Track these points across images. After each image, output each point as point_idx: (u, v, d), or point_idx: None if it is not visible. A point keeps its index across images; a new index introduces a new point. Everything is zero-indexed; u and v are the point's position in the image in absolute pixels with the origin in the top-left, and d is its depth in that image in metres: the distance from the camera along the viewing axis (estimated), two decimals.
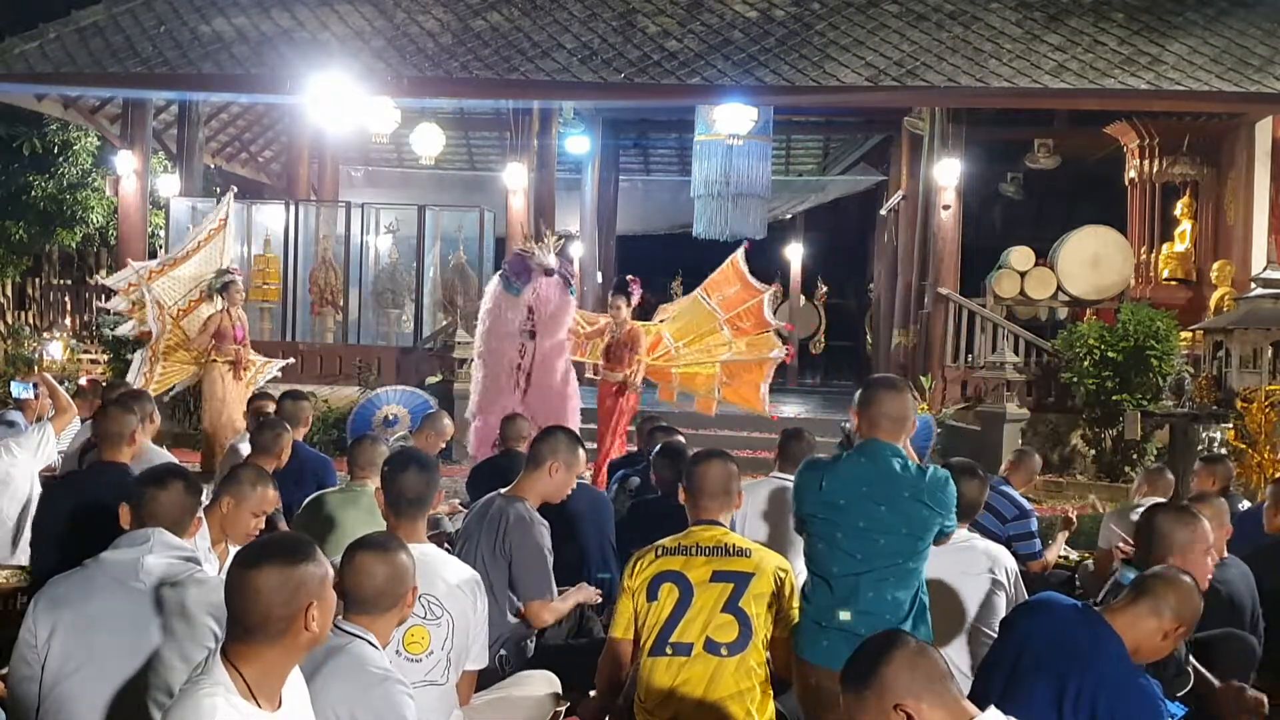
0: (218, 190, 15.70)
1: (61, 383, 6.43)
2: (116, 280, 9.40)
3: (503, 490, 4.35)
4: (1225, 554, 4.32)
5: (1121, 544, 4.45)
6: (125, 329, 9.78)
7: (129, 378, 9.07)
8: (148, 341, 9.23)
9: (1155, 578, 3.04)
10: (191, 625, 2.97)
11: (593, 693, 3.47)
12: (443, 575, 3.36)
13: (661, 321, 9.29)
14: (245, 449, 6.35)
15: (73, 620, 3.00)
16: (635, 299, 8.77)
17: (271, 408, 6.81)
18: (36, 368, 12.10)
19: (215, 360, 9.08)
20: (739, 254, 9.43)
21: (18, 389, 6.71)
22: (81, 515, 4.25)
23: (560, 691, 3.86)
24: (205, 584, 3.06)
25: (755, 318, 9.22)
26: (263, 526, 3.94)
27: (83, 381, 9.90)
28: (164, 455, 5.71)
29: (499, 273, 8.55)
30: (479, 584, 3.51)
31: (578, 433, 4.54)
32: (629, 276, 8.96)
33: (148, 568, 3.05)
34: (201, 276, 9.41)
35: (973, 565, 4.04)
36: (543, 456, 4.24)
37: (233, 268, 9.61)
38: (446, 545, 5.89)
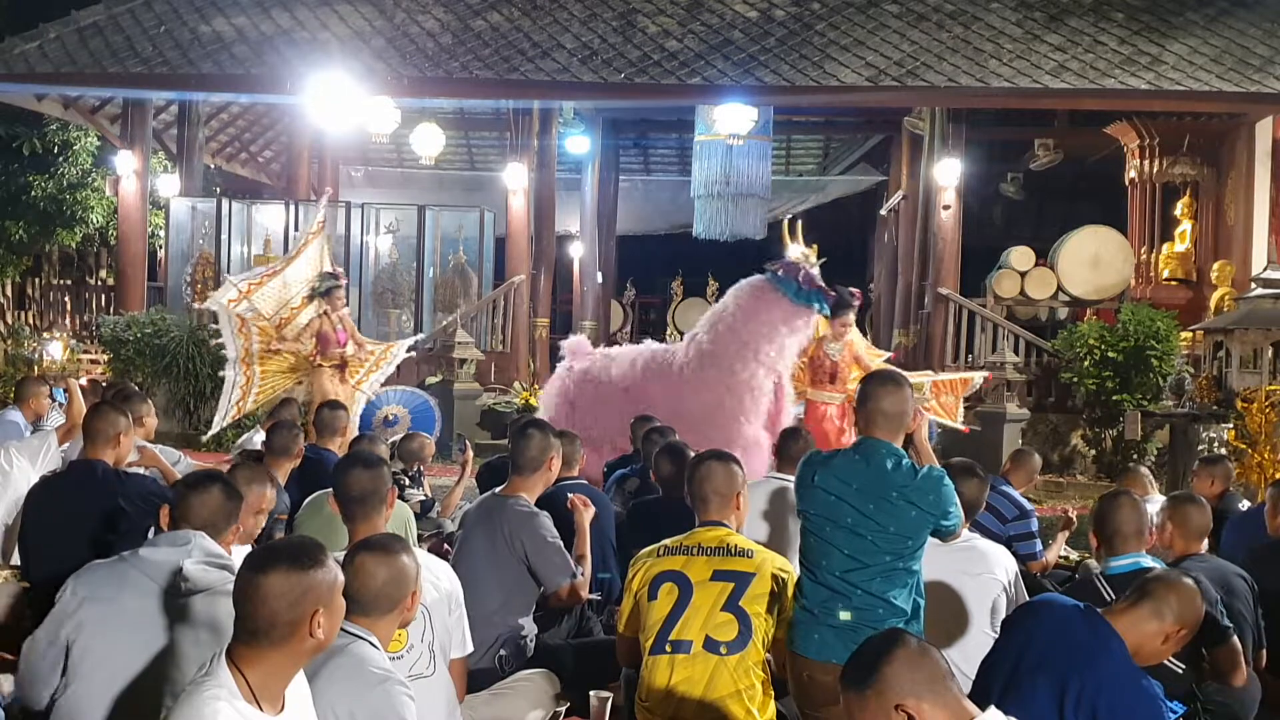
0: (218, 190, 15.72)
1: (62, 378, 6.41)
2: (219, 297, 9.00)
3: (497, 489, 4.36)
4: (1200, 550, 4.35)
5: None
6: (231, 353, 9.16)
7: (224, 395, 8.75)
8: (233, 359, 8.89)
9: (1157, 580, 3.04)
10: (219, 638, 2.96)
11: (593, 692, 3.48)
12: None
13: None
14: (260, 439, 6.36)
15: (101, 614, 3.02)
16: (852, 314, 8.17)
17: (291, 410, 6.79)
18: (36, 368, 12.10)
19: (321, 365, 8.85)
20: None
21: (57, 394, 6.71)
22: (64, 514, 4.26)
23: (560, 690, 3.87)
24: None
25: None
26: (261, 525, 3.94)
27: (83, 382, 9.87)
28: (172, 454, 5.72)
29: (779, 278, 7.58)
30: (450, 573, 3.54)
31: None
32: (852, 289, 8.13)
33: (184, 573, 3.05)
34: (301, 282, 9.13)
35: (973, 565, 4.04)
36: (541, 456, 4.26)
37: (337, 270, 9.40)
38: (446, 546, 5.92)
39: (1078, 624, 2.97)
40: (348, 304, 9.40)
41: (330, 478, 5.54)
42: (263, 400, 8.96)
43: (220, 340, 9.07)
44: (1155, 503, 5.35)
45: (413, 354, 10.06)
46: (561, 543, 4.22)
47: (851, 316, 8.05)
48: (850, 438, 7.50)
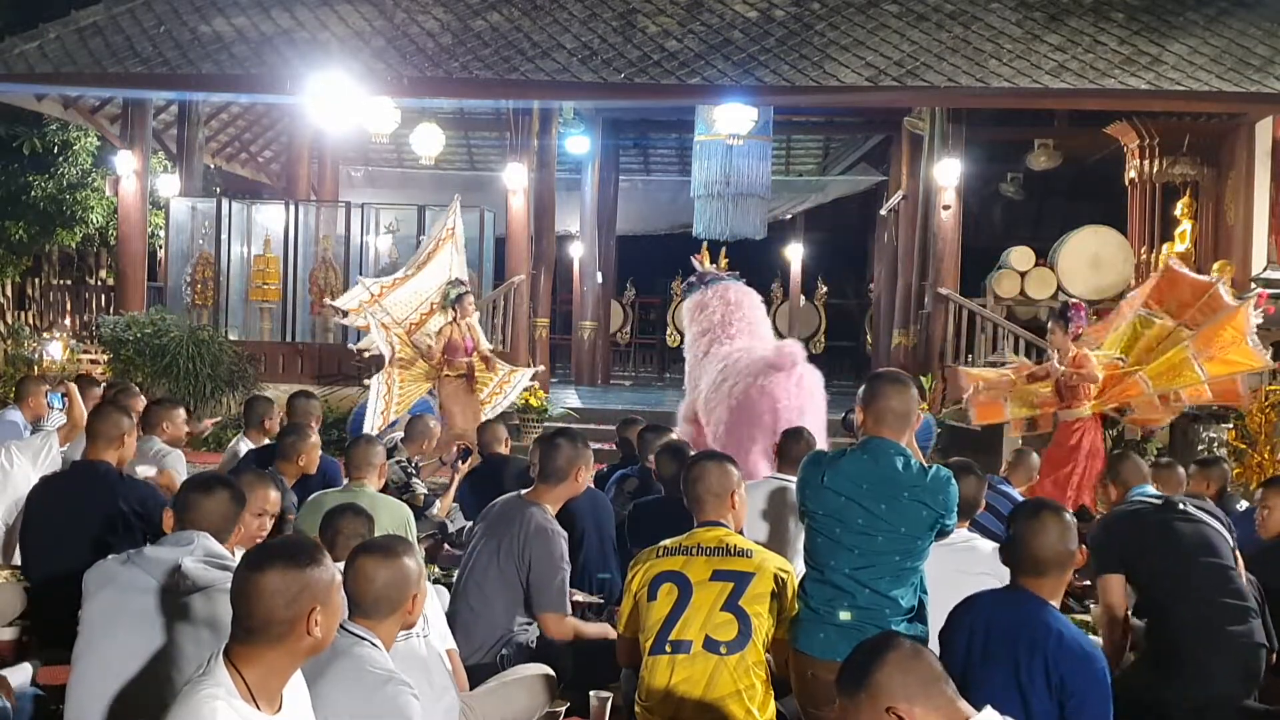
0: (218, 190, 15.71)
1: (60, 382, 6.38)
2: (347, 299, 8.98)
3: (522, 492, 4.35)
4: None
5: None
6: (366, 341, 9.28)
7: (370, 405, 8.64)
8: (381, 366, 8.85)
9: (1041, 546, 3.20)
10: (220, 637, 2.97)
11: (593, 693, 3.48)
12: None
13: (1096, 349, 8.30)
14: (244, 448, 6.36)
15: (101, 607, 3.07)
16: (1075, 325, 7.97)
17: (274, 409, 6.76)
18: (36, 368, 12.09)
19: (447, 375, 8.82)
20: (1174, 262, 8.54)
21: (53, 399, 6.67)
22: (66, 514, 4.27)
23: (559, 688, 3.87)
24: None
25: (1215, 306, 8.11)
26: (268, 528, 3.95)
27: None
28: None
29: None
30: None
31: None
32: (1072, 300, 8.25)
33: (185, 570, 3.08)
34: (432, 288, 9.07)
35: (973, 565, 4.05)
36: (568, 467, 4.25)
37: (464, 278, 9.29)
38: (447, 545, 5.93)
39: (1005, 606, 3.16)
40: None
41: (327, 475, 5.63)
42: (402, 409, 8.86)
43: (367, 347, 9.03)
44: None
45: (534, 383, 9.98)
46: (568, 573, 4.20)
47: (1057, 327, 7.99)
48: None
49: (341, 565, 3.36)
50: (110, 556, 3.20)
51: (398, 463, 6.38)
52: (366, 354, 9.11)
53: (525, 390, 10.97)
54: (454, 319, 8.82)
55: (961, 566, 4.01)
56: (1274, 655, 4.33)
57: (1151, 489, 4.86)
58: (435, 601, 3.70)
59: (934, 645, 3.49)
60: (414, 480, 6.48)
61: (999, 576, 4.02)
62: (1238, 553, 4.36)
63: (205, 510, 3.28)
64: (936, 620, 3.52)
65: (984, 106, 12.78)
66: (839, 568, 3.44)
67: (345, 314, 9.33)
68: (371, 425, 8.37)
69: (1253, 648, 4.07)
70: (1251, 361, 8.05)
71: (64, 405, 6.27)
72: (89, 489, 4.37)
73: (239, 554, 3.78)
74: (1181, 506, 4.39)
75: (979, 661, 3.09)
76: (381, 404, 8.69)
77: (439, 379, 8.82)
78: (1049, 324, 8.17)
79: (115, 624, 3.03)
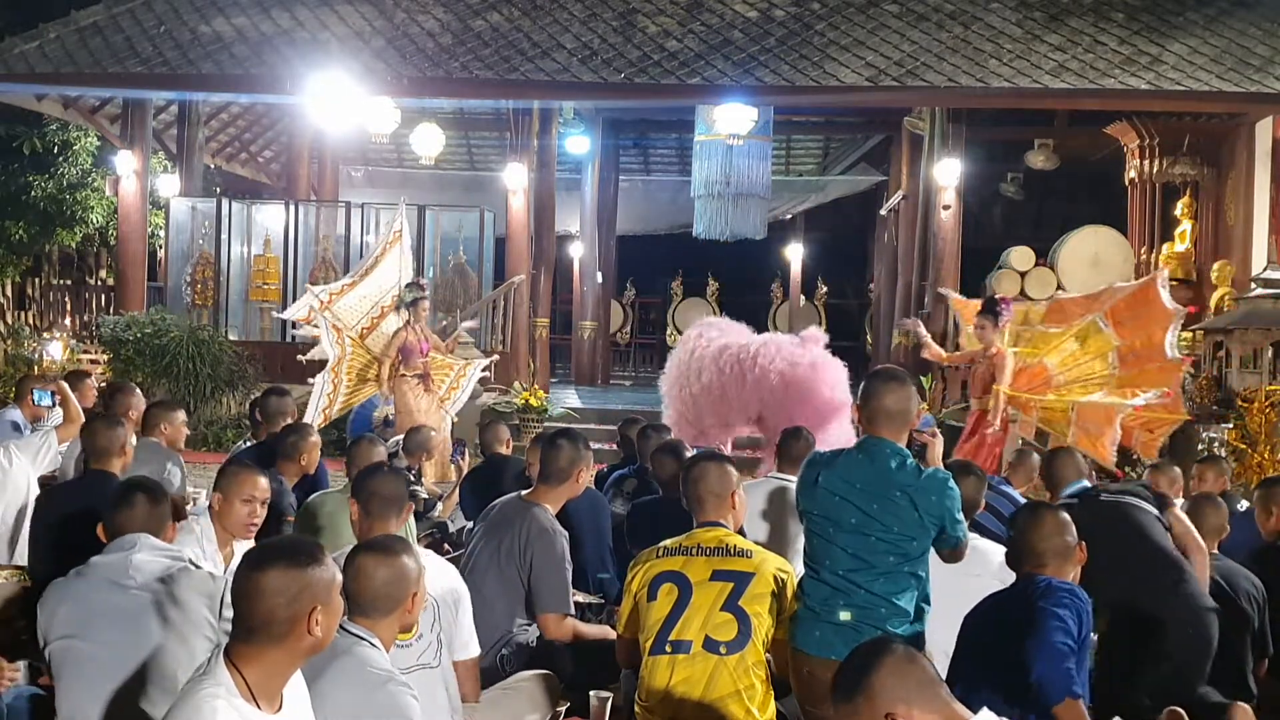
0: (218, 190, 15.71)
1: (50, 380, 6.34)
2: (296, 309, 9.06)
3: (523, 493, 4.34)
4: (1215, 551, 4.48)
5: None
6: (316, 353, 9.26)
7: (310, 405, 8.60)
8: (327, 365, 8.85)
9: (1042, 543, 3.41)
10: (186, 612, 3.07)
11: (593, 693, 3.48)
12: None
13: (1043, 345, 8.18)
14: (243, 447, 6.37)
15: (66, 620, 3.12)
16: (1004, 320, 7.85)
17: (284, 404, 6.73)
18: (36, 368, 12.08)
19: (404, 375, 8.86)
20: (1163, 275, 8.27)
21: (42, 397, 6.63)
22: (73, 522, 4.28)
23: (559, 688, 3.87)
24: (195, 574, 3.18)
25: (1153, 348, 7.90)
26: (260, 515, 3.94)
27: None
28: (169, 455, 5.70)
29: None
30: (457, 576, 3.60)
31: None
32: (999, 295, 7.97)
33: (136, 565, 3.15)
34: (382, 292, 9.10)
35: (974, 566, 4.04)
36: (570, 468, 4.24)
37: (421, 280, 9.33)
38: (448, 545, 5.93)
39: (1006, 599, 3.41)
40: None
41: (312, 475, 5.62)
42: (348, 406, 8.95)
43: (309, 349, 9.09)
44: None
45: (487, 374, 10.03)
46: (570, 573, 4.19)
47: (986, 322, 7.79)
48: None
49: (376, 528, 3.36)
50: (59, 578, 3.25)
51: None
52: (306, 360, 9.20)
53: (525, 392, 11.00)
54: (409, 322, 8.89)
55: (962, 567, 3.99)
56: (1269, 657, 4.34)
57: (1086, 484, 4.87)
58: (465, 606, 3.57)
59: (931, 647, 3.51)
60: (411, 486, 6.48)
61: (1002, 579, 4.03)
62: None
63: (129, 519, 3.34)
64: (937, 622, 3.52)
65: (984, 106, 12.79)
66: (834, 567, 3.45)
67: (296, 324, 9.44)
68: (311, 420, 8.45)
69: (1188, 600, 4.05)
70: (1102, 453, 7.80)
71: (54, 403, 6.25)
72: (94, 500, 4.36)
73: (238, 547, 3.81)
74: (1099, 495, 4.51)
75: (990, 641, 3.25)
76: (324, 401, 8.76)
77: (395, 379, 8.89)
78: (977, 319, 7.91)
79: (87, 629, 3.08)
